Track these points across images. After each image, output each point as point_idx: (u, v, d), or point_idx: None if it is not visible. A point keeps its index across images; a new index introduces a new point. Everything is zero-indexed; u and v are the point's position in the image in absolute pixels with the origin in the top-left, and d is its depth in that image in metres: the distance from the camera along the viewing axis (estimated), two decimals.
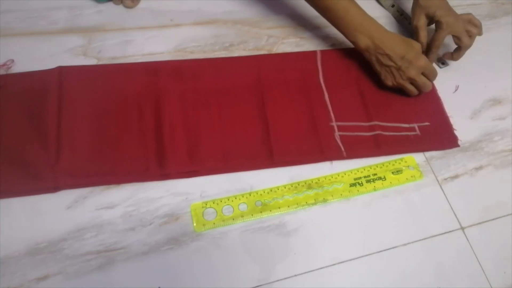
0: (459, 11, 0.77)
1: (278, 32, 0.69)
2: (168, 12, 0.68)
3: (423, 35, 0.64)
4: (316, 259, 0.50)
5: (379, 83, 0.62)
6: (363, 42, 0.59)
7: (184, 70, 0.61)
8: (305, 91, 0.62)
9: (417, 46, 0.59)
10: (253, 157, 0.55)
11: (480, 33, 0.64)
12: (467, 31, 0.62)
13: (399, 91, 0.62)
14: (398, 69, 0.58)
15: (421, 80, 0.59)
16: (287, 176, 0.55)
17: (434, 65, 0.68)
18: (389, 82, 0.60)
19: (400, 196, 0.55)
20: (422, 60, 0.58)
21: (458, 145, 0.60)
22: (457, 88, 0.66)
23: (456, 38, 0.63)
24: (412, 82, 0.59)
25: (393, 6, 0.74)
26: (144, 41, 0.64)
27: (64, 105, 0.55)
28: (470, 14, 0.64)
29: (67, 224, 0.48)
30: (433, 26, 0.64)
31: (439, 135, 0.60)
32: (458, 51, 0.64)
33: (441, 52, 0.67)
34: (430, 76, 0.60)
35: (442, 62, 0.68)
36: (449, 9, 0.63)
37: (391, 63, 0.58)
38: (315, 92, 0.62)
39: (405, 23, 0.72)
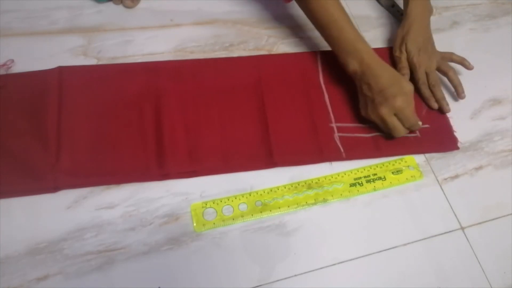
0: (459, 11, 0.78)
1: (278, 32, 0.69)
2: (168, 12, 0.68)
3: (404, 58, 0.63)
4: (316, 259, 0.50)
5: (358, 110, 0.59)
6: (351, 66, 0.56)
7: (184, 70, 0.61)
8: (305, 91, 0.62)
9: (406, 87, 0.54)
10: (253, 157, 0.55)
11: (468, 67, 0.63)
12: (440, 70, 0.62)
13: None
14: (372, 102, 0.55)
15: (392, 122, 0.54)
16: (287, 176, 0.55)
17: None
18: (363, 112, 0.57)
19: (400, 196, 0.55)
20: (399, 101, 0.53)
21: (457, 148, 0.60)
22: None
23: (426, 75, 0.62)
24: (382, 121, 0.55)
25: (393, 6, 0.74)
26: (144, 41, 0.64)
27: (64, 105, 0.55)
28: (452, 53, 0.64)
29: (67, 224, 0.48)
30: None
31: (439, 137, 0.60)
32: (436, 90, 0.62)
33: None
34: (404, 122, 0.54)
35: None
36: (423, 47, 0.62)
37: (368, 94, 0.55)
38: (315, 93, 0.62)
39: None
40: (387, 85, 0.54)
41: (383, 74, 0.55)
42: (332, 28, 0.57)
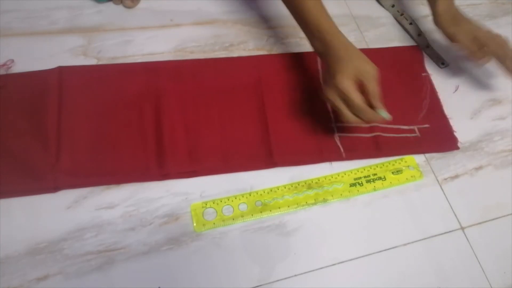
0: None
1: (278, 32, 0.69)
2: (168, 12, 0.68)
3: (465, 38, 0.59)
4: (316, 259, 0.50)
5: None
6: (316, 47, 0.53)
7: (184, 70, 0.61)
8: (305, 91, 0.62)
9: (365, 68, 0.46)
10: (253, 157, 0.55)
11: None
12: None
13: None
14: (324, 81, 0.50)
15: (339, 105, 0.46)
16: (287, 176, 0.55)
17: (434, 65, 0.68)
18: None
19: (400, 196, 0.55)
20: (344, 83, 0.45)
21: (457, 148, 0.60)
22: (457, 88, 0.66)
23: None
24: (329, 103, 0.49)
25: (393, 6, 0.74)
26: (144, 41, 0.64)
27: (64, 105, 0.55)
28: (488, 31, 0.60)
29: (67, 224, 0.48)
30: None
31: (439, 137, 0.60)
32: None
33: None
34: (350, 107, 0.46)
35: (442, 62, 0.68)
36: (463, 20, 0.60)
37: (326, 75, 0.49)
38: (315, 93, 0.62)
39: (405, 23, 0.72)
40: (337, 61, 0.47)
41: (345, 54, 0.48)
42: (301, 10, 0.52)
